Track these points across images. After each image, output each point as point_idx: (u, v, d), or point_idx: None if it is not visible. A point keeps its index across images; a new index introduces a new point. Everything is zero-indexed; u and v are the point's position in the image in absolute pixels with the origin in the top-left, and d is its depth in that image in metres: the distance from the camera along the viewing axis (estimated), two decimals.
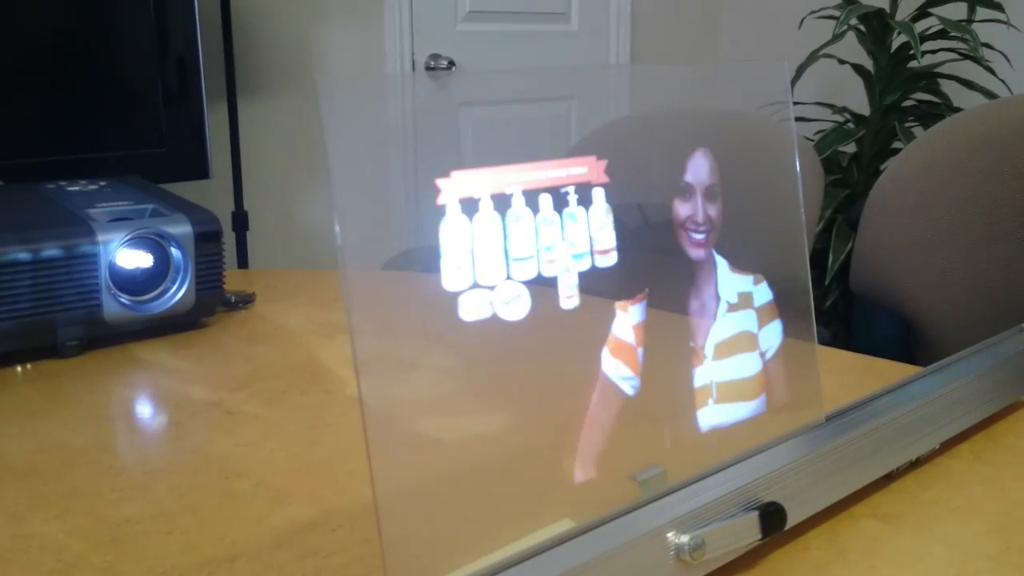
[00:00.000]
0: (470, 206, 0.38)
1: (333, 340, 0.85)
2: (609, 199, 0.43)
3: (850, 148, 2.53)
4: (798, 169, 0.52)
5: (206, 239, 0.87)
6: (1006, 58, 2.53)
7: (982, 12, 2.51)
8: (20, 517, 0.52)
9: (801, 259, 0.52)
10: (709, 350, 0.49)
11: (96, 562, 0.47)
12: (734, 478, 0.46)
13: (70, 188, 0.93)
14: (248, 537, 0.50)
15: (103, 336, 0.83)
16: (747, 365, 0.51)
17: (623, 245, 0.44)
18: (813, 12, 2.75)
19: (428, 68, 2.53)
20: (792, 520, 0.47)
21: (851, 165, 2.54)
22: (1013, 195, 1.04)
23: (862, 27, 2.49)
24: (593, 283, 0.43)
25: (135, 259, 0.83)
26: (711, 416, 0.49)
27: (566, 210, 0.41)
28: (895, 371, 0.76)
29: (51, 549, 0.49)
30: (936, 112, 2.48)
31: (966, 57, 2.44)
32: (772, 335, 0.51)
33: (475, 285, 0.39)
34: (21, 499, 0.54)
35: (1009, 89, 2.54)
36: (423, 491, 0.37)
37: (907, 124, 2.46)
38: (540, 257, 0.41)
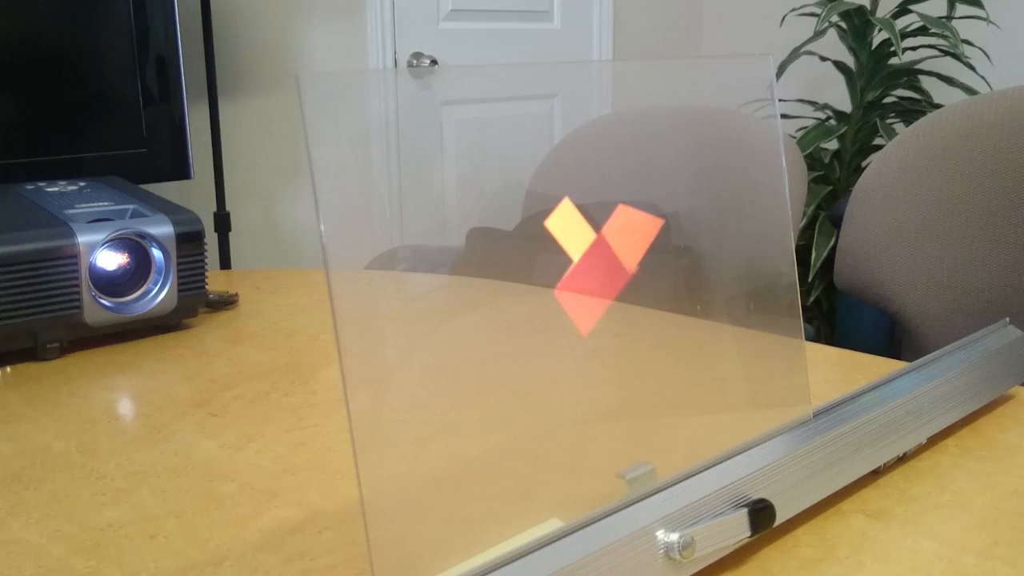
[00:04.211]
0: None
1: (317, 340, 0.84)
2: (594, 197, 0.43)
3: (832, 145, 2.54)
4: (783, 164, 0.51)
5: (188, 240, 0.86)
6: (986, 54, 2.55)
7: (962, 9, 2.53)
8: (0, 522, 0.51)
9: (787, 255, 0.52)
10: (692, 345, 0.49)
11: (78, 567, 0.47)
12: (723, 475, 0.45)
13: (49, 189, 0.92)
14: (233, 540, 0.49)
15: (84, 338, 0.82)
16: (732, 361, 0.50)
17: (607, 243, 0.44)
18: (794, 9, 2.76)
19: (411, 67, 2.53)
20: (781, 517, 0.47)
21: (833, 162, 2.55)
22: (996, 190, 1.04)
23: (843, 24, 2.50)
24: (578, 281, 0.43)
25: (116, 260, 0.82)
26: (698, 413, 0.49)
27: None
28: (880, 367, 0.76)
29: (32, 554, 0.48)
30: (917, 108, 2.49)
31: (946, 54, 2.45)
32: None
33: None
34: (2, 504, 0.54)
35: (989, 85, 2.56)
36: (410, 492, 0.37)
37: (888, 120, 2.48)
38: None
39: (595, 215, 0.46)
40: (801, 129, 2.54)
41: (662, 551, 0.41)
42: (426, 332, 0.40)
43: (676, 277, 0.50)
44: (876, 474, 0.55)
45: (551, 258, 0.47)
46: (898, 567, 0.46)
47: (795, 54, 2.52)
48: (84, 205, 0.86)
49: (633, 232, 0.46)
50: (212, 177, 2.18)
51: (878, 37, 2.47)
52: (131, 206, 0.87)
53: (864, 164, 2.54)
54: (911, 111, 2.50)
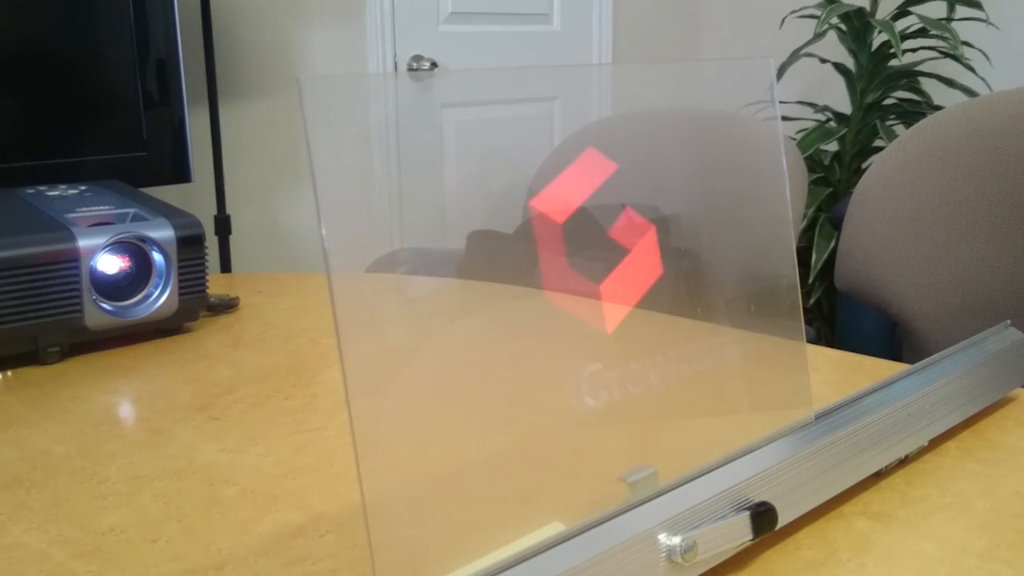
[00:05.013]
0: None
1: (318, 344, 0.84)
2: (594, 199, 0.43)
3: (832, 147, 2.54)
4: (784, 166, 0.51)
5: (188, 243, 0.86)
6: (985, 56, 2.55)
7: (961, 10, 2.53)
8: (2, 527, 0.51)
9: (788, 257, 0.52)
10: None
11: (80, 572, 0.47)
12: (725, 478, 0.45)
13: (50, 193, 0.92)
14: (234, 544, 0.49)
15: (85, 342, 0.82)
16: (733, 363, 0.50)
17: (608, 246, 0.44)
18: (794, 11, 2.76)
19: (411, 69, 2.53)
20: (783, 520, 0.47)
21: (833, 164, 2.55)
22: (997, 191, 1.04)
23: (843, 26, 2.50)
24: (579, 283, 0.43)
25: (116, 264, 0.82)
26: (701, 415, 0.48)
27: None
28: (881, 369, 0.76)
29: (34, 559, 0.48)
30: (917, 110, 2.49)
31: (946, 55, 2.45)
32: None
33: None
34: (3, 508, 0.54)
35: (989, 87, 2.56)
36: (412, 495, 0.37)
37: (888, 122, 2.48)
38: None
39: (596, 218, 0.46)
40: (801, 131, 2.54)
41: (664, 554, 0.41)
42: (427, 335, 0.40)
43: (677, 279, 0.50)
44: (878, 476, 0.55)
45: (552, 260, 0.47)
46: (900, 570, 0.46)
47: (795, 56, 2.52)
48: (85, 209, 0.86)
49: (633, 235, 0.46)
50: (212, 180, 2.18)
51: (878, 39, 2.47)
52: (131, 210, 0.87)
53: (864, 166, 2.54)
54: (911, 113, 2.50)
